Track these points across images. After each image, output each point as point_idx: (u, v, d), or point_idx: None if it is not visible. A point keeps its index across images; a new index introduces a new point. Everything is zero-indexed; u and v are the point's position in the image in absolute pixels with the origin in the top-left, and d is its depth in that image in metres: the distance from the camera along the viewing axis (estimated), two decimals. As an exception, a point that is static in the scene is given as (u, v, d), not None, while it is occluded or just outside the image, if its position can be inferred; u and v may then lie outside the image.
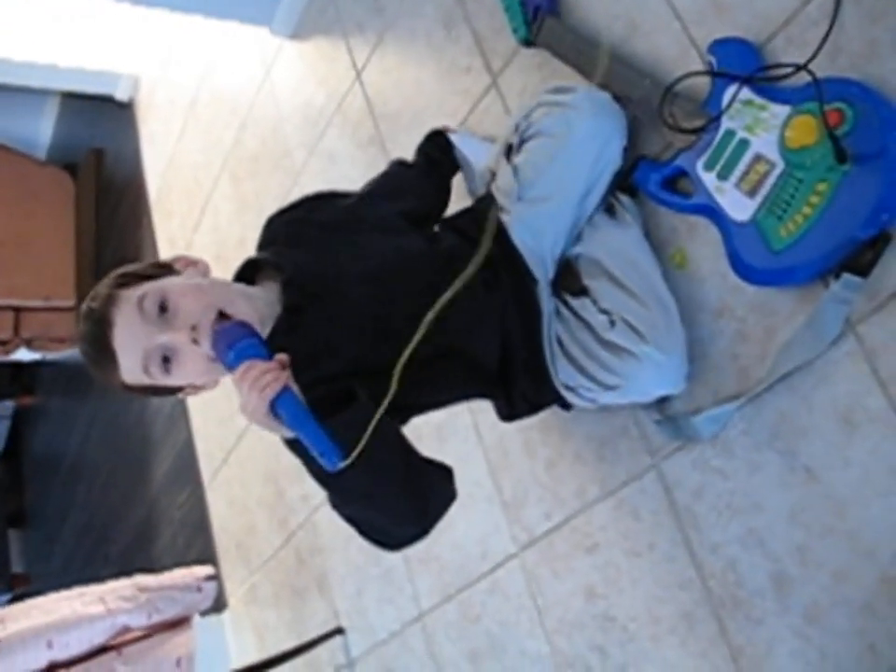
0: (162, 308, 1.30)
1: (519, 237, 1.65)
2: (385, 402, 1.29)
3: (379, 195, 1.74)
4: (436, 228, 1.79)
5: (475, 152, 1.95)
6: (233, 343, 1.25)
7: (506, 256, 1.64)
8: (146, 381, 1.33)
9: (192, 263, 1.46)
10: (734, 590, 1.58)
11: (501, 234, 1.66)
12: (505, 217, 1.68)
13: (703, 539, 1.63)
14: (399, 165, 1.95)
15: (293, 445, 1.35)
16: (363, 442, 1.22)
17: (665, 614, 1.71)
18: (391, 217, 1.65)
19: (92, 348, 1.33)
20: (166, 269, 1.43)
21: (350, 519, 1.37)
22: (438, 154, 1.96)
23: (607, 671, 1.83)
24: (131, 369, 1.31)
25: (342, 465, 1.18)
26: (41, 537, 6.23)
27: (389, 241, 1.59)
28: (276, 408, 1.19)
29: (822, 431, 1.44)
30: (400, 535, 1.42)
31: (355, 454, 1.20)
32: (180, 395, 1.46)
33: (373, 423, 1.25)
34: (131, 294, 1.32)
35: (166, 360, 1.30)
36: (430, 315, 1.41)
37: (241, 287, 1.45)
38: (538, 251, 1.66)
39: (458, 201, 1.98)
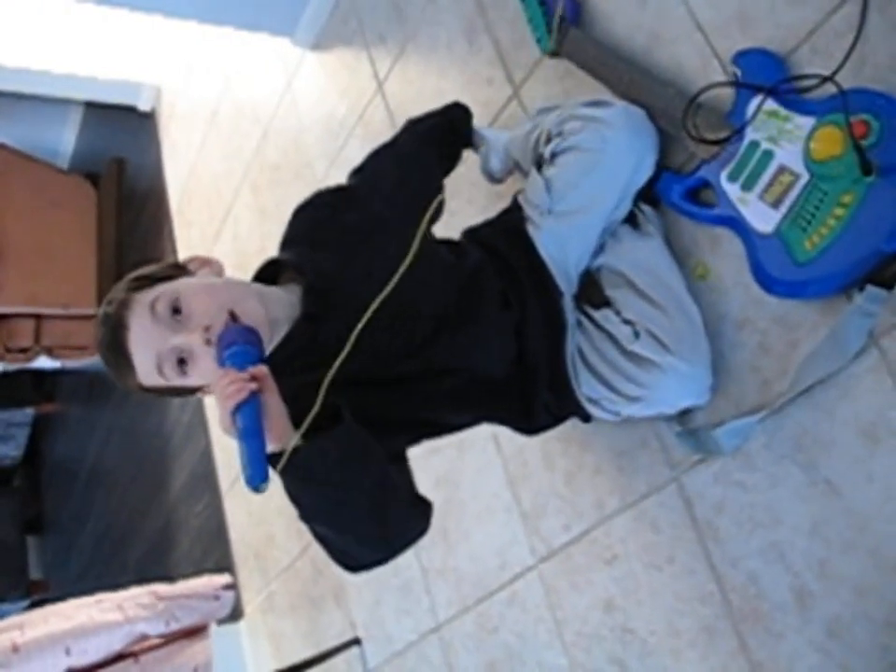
0: (175, 310, 1.29)
1: (546, 250, 1.65)
2: (309, 419, 1.27)
3: (405, 197, 1.67)
4: (461, 239, 1.77)
5: (493, 132, 1.94)
6: (227, 346, 1.25)
7: (532, 268, 1.64)
8: (162, 382, 1.32)
9: (206, 263, 1.45)
10: (754, 604, 1.57)
11: (527, 246, 1.66)
12: (531, 229, 1.67)
13: (723, 553, 1.62)
14: (417, 143, 1.86)
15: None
16: (283, 461, 1.21)
17: (684, 628, 1.70)
18: (426, 188, 1.65)
19: (109, 352, 1.32)
20: (180, 270, 1.42)
21: (315, 534, 1.36)
22: (458, 127, 1.92)
23: (625, 685, 1.83)
24: (146, 371, 1.30)
25: (259, 486, 1.17)
26: (59, 543, 6.24)
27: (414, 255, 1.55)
28: (238, 414, 1.19)
29: (844, 445, 1.43)
30: (358, 557, 1.38)
31: (270, 477, 1.18)
32: (199, 394, 1.43)
33: (291, 443, 1.23)
34: (144, 297, 1.31)
35: (182, 362, 1.29)
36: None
37: (257, 286, 1.42)
38: (563, 264, 1.65)
39: (471, 185, 1.97)
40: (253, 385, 1.20)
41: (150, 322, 1.29)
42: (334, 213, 1.62)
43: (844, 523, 1.43)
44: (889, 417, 1.37)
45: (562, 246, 1.64)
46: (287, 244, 1.59)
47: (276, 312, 1.37)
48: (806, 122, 1.41)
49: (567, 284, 1.66)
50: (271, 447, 1.20)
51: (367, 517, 1.31)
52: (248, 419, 1.19)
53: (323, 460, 1.23)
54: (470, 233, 1.77)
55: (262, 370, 1.24)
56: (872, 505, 1.39)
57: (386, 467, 1.35)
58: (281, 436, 1.22)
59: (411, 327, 1.47)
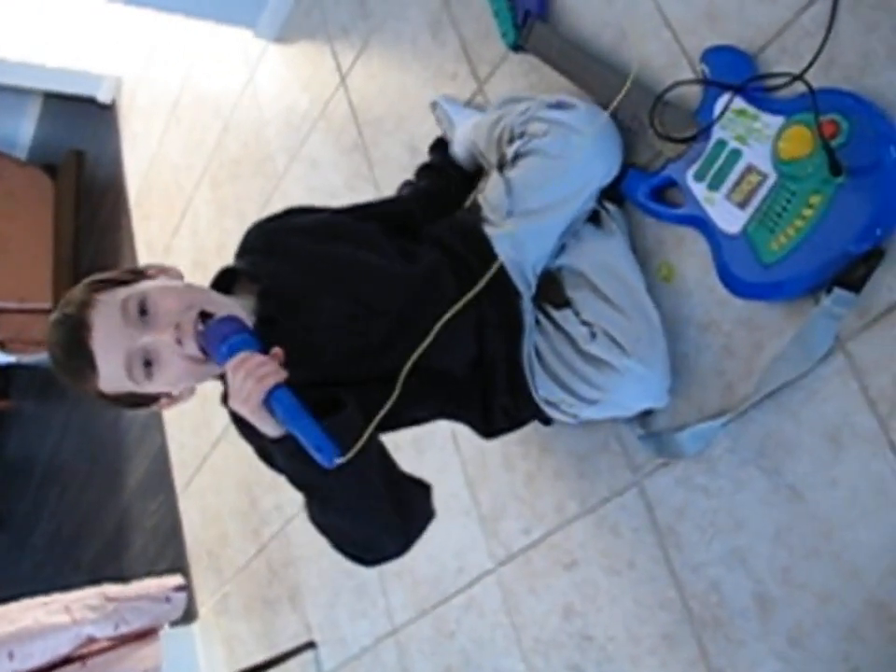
0: (142, 311, 1.27)
1: (503, 251, 1.61)
2: (388, 405, 1.31)
3: (365, 211, 1.69)
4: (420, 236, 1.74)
5: (460, 113, 1.95)
6: (226, 337, 1.23)
7: (488, 269, 1.60)
8: (124, 388, 1.29)
9: (164, 270, 1.42)
10: (715, 611, 1.54)
11: (484, 247, 1.63)
12: (489, 230, 1.64)
13: (685, 558, 1.59)
14: (404, 188, 1.95)
15: (265, 455, 1.35)
16: (363, 440, 1.21)
17: (644, 634, 1.67)
18: (371, 233, 1.61)
19: (68, 354, 1.28)
20: (139, 275, 1.39)
21: (328, 531, 1.33)
22: (438, 165, 1.96)
23: (583, 692, 1.80)
24: (111, 373, 1.26)
25: (339, 461, 1.16)
26: (11, 542, 6.13)
27: (367, 255, 1.54)
28: (271, 401, 1.18)
29: (809, 450, 1.40)
30: (380, 548, 1.38)
31: (354, 450, 1.19)
32: (155, 407, 1.41)
33: (374, 423, 1.26)
34: (111, 297, 1.28)
35: (147, 364, 1.26)
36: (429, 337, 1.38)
37: (216, 294, 1.40)
38: (520, 265, 1.62)
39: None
40: (284, 371, 1.20)
41: (120, 321, 1.26)
42: (288, 222, 1.61)
43: (807, 529, 1.41)
44: (853, 421, 1.35)
45: (519, 248, 1.61)
46: (240, 255, 1.56)
47: None
48: (775, 121, 1.38)
49: (524, 285, 1.63)
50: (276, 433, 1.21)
51: (384, 502, 1.32)
52: (289, 400, 1.18)
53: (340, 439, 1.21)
54: (428, 232, 1.73)
55: (280, 352, 1.24)
56: (835, 510, 1.37)
57: (387, 452, 1.37)
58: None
59: (364, 327, 1.46)
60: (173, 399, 1.40)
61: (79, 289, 1.32)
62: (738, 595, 1.50)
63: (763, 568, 1.47)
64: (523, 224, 1.60)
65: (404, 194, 1.91)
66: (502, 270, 1.61)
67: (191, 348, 1.27)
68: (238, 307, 1.38)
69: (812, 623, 1.40)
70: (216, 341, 1.24)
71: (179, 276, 1.43)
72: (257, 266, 1.47)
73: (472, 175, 1.91)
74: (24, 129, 5.73)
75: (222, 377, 1.40)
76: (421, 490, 1.43)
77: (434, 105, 2.06)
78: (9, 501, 6.20)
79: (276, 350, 1.24)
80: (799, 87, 1.36)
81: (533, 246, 1.62)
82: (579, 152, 1.56)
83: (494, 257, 1.61)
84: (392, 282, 1.53)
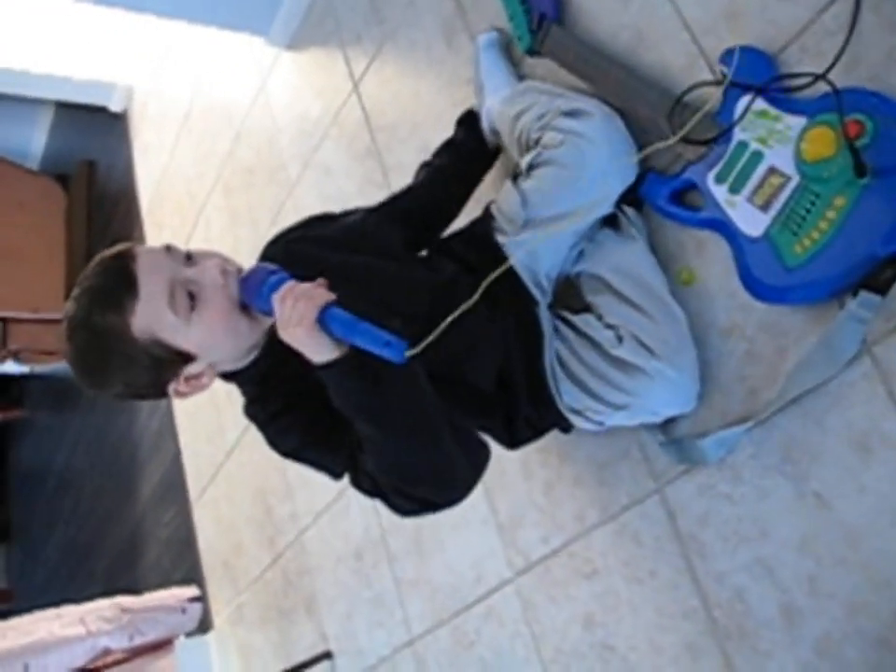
0: (188, 258, 1.29)
1: (516, 259, 1.60)
2: (465, 306, 1.31)
3: (386, 216, 1.68)
4: (435, 250, 1.74)
5: (495, 73, 1.91)
6: (264, 278, 1.25)
7: (504, 278, 1.58)
8: (160, 328, 1.24)
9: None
10: (740, 620, 1.52)
11: (498, 256, 1.61)
12: (501, 238, 1.64)
13: (708, 567, 1.57)
14: (425, 168, 1.90)
15: (283, 446, 1.40)
16: (434, 335, 1.21)
17: (667, 644, 1.65)
18: (393, 243, 1.60)
19: (107, 280, 1.24)
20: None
21: (391, 472, 1.29)
22: (465, 147, 1.92)
23: (605, 703, 1.77)
24: (153, 297, 1.22)
25: (410, 353, 1.15)
26: (26, 552, 6.14)
27: (388, 264, 1.54)
28: (325, 318, 1.17)
29: (835, 456, 1.38)
30: (450, 478, 1.34)
31: (426, 342, 1.18)
32: (173, 389, 1.33)
33: (445, 324, 1.25)
34: (152, 246, 1.29)
35: (192, 297, 1.25)
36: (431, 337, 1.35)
37: None
38: (534, 273, 1.62)
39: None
40: (330, 293, 1.20)
41: (166, 255, 1.27)
42: (308, 231, 1.62)
43: (834, 537, 1.38)
44: (882, 427, 1.32)
45: (533, 256, 1.60)
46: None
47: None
48: (797, 122, 1.36)
49: (540, 293, 1.63)
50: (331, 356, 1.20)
51: (444, 426, 1.31)
52: (342, 314, 1.18)
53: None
54: (442, 246, 1.73)
55: (323, 280, 1.23)
56: (864, 518, 1.34)
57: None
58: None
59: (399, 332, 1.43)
60: (191, 381, 1.33)
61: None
62: (764, 605, 1.48)
63: (789, 577, 1.44)
64: (535, 232, 1.59)
65: (421, 180, 1.86)
66: (517, 278, 1.60)
67: (234, 288, 1.28)
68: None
69: (840, 633, 1.37)
70: (256, 285, 1.25)
71: None
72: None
73: (494, 152, 1.91)
74: (36, 139, 5.74)
75: (230, 377, 1.39)
76: (475, 438, 1.44)
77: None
78: (24, 511, 6.22)
79: (320, 279, 1.22)
80: (822, 87, 1.34)
81: (546, 255, 1.62)
82: (593, 164, 1.54)
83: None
84: (416, 288, 1.52)
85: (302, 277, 1.25)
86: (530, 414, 1.61)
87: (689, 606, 1.60)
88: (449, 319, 1.27)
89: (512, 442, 1.67)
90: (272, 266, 1.29)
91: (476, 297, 1.36)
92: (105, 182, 4.89)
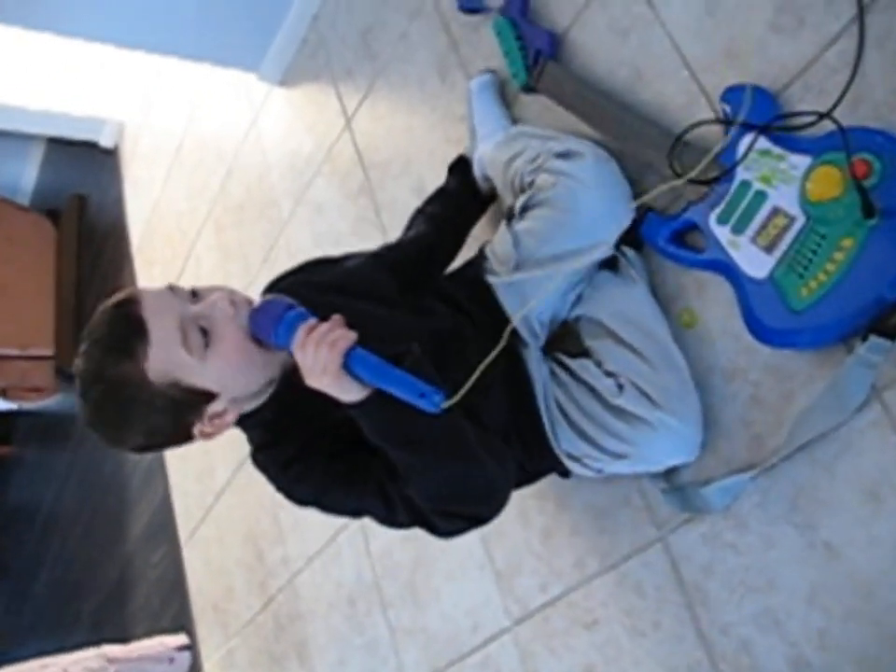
0: (193, 295, 1.26)
1: (506, 300, 1.60)
2: (495, 352, 1.29)
3: (382, 264, 1.64)
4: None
5: (487, 118, 1.89)
6: (279, 315, 1.21)
7: (493, 319, 1.56)
8: (176, 368, 1.20)
9: None
10: (747, 675, 1.46)
11: (488, 297, 1.61)
12: (492, 279, 1.62)
13: (713, 618, 1.52)
14: (417, 216, 1.90)
15: (310, 502, 1.37)
16: (474, 377, 1.19)
17: (670, 699, 1.59)
18: (385, 288, 1.57)
19: (114, 329, 1.19)
20: None
21: (437, 491, 1.28)
22: (457, 195, 1.91)
23: (607, 758, 1.71)
24: (165, 339, 1.18)
25: (446, 404, 1.13)
26: (12, 591, 6.04)
27: (384, 310, 1.51)
28: (350, 364, 1.15)
29: (845, 505, 1.33)
30: (494, 487, 1.34)
31: (464, 389, 1.16)
32: (198, 431, 1.28)
33: (486, 362, 1.24)
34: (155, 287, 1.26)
35: (204, 333, 1.21)
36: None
37: None
38: (524, 316, 1.58)
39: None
40: (351, 332, 1.17)
41: (169, 294, 1.24)
42: (307, 276, 1.59)
43: (845, 589, 1.33)
44: (893, 475, 1.28)
45: (523, 297, 1.57)
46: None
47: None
48: (802, 162, 1.33)
49: (530, 335, 1.61)
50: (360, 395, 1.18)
51: (479, 444, 1.30)
52: (370, 356, 1.16)
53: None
54: (435, 287, 1.70)
55: (340, 317, 1.20)
56: (875, 570, 1.30)
57: None
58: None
59: None
60: (215, 420, 1.29)
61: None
62: (772, 659, 1.43)
63: (797, 631, 1.39)
64: (526, 274, 1.57)
65: (415, 231, 1.85)
66: (508, 322, 1.55)
67: (244, 318, 1.25)
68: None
69: (852, 690, 1.32)
70: (269, 322, 1.21)
71: None
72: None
73: (486, 199, 1.90)
74: (27, 174, 5.72)
75: (239, 422, 1.35)
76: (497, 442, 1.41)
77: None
78: (11, 550, 6.13)
79: (336, 316, 1.20)
80: (826, 125, 1.31)
81: (533, 296, 1.56)
82: (585, 205, 1.52)
83: (498, 306, 1.59)
84: (412, 333, 1.47)
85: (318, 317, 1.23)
86: (521, 458, 1.56)
87: (693, 658, 1.55)
88: (486, 362, 1.26)
89: None
90: (287, 300, 1.26)
91: (503, 343, 1.33)
92: (95, 217, 4.86)
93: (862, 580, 1.31)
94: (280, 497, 1.40)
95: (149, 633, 3.46)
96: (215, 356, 1.22)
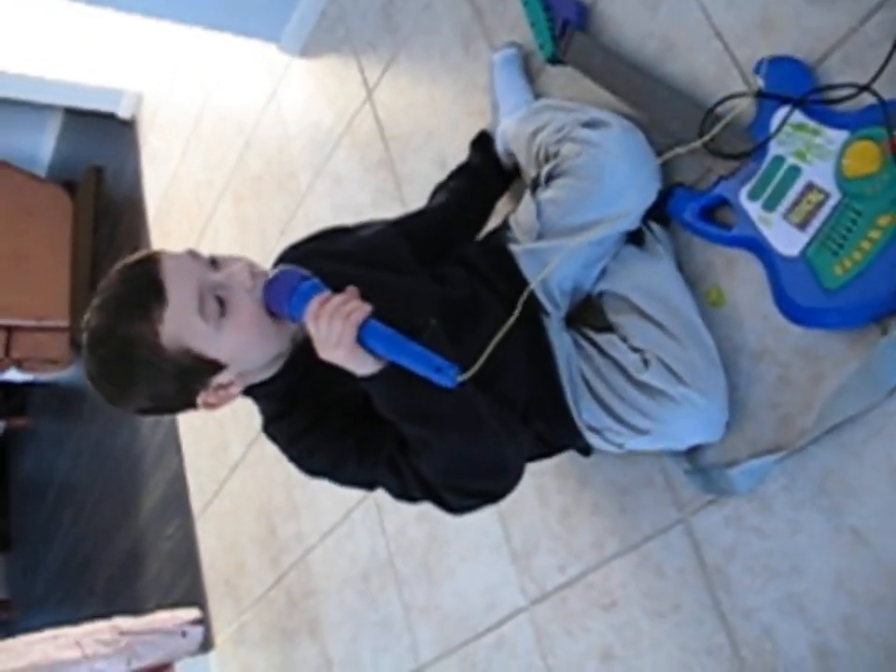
0: (213, 262, 1.25)
1: (526, 268, 1.56)
2: (508, 324, 1.30)
3: (401, 233, 1.62)
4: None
5: (510, 92, 1.85)
6: (294, 286, 1.19)
7: (515, 287, 1.52)
8: (190, 335, 1.18)
9: None
10: (769, 660, 1.43)
11: (509, 265, 1.58)
12: (515, 248, 1.59)
13: (735, 603, 1.49)
14: (439, 191, 1.88)
15: (322, 473, 1.36)
16: (488, 351, 1.19)
17: (690, 682, 1.57)
18: (406, 258, 1.55)
19: (132, 287, 1.18)
20: None
21: (449, 468, 1.26)
22: (481, 171, 1.88)
23: (622, 741, 1.69)
24: (182, 303, 1.16)
25: (462, 378, 1.12)
26: (26, 562, 6.07)
27: (401, 279, 1.49)
28: (365, 337, 1.14)
29: (875, 490, 1.30)
30: (506, 464, 1.31)
31: (478, 364, 1.16)
32: (202, 401, 1.27)
33: (498, 336, 1.25)
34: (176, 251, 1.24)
35: (221, 303, 1.20)
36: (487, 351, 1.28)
37: None
38: (544, 283, 1.56)
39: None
40: (366, 304, 1.16)
41: (190, 258, 1.22)
42: (321, 244, 1.58)
43: (873, 575, 1.30)
44: (925, 461, 1.24)
45: (544, 266, 1.53)
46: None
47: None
48: (838, 136, 1.29)
49: (551, 304, 1.58)
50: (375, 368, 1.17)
51: (492, 418, 1.28)
52: (384, 330, 1.14)
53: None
54: (456, 255, 1.67)
55: (354, 289, 1.19)
56: (905, 557, 1.27)
57: None
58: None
59: None
60: (220, 392, 1.27)
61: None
62: (795, 645, 1.40)
63: (822, 617, 1.36)
64: (549, 243, 1.54)
65: (437, 202, 1.83)
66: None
67: (261, 291, 1.23)
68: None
69: (878, 678, 1.29)
70: (283, 292, 1.20)
71: None
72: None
73: (509, 174, 1.87)
74: (45, 145, 5.71)
75: (250, 392, 1.34)
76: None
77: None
78: (25, 521, 6.17)
79: (350, 287, 1.18)
80: (865, 99, 1.27)
81: (558, 265, 1.53)
82: (611, 176, 1.48)
83: (518, 273, 1.57)
84: (426, 302, 1.46)
85: (332, 287, 1.21)
86: (541, 429, 1.54)
87: (714, 642, 1.52)
88: (502, 331, 1.27)
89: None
90: (302, 271, 1.24)
91: (517, 313, 1.33)
92: (112, 189, 4.84)
93: (891, 566, 1.28)
94: (295, 473, 1.39)
95: (161, 606, 3.46)
96: (230, 326, 1.21)
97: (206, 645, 3.28)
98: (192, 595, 3.49)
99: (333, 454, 1.33)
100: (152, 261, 1.19)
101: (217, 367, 1.23)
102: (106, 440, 4.61)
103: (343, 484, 1.39)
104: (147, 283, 1.17)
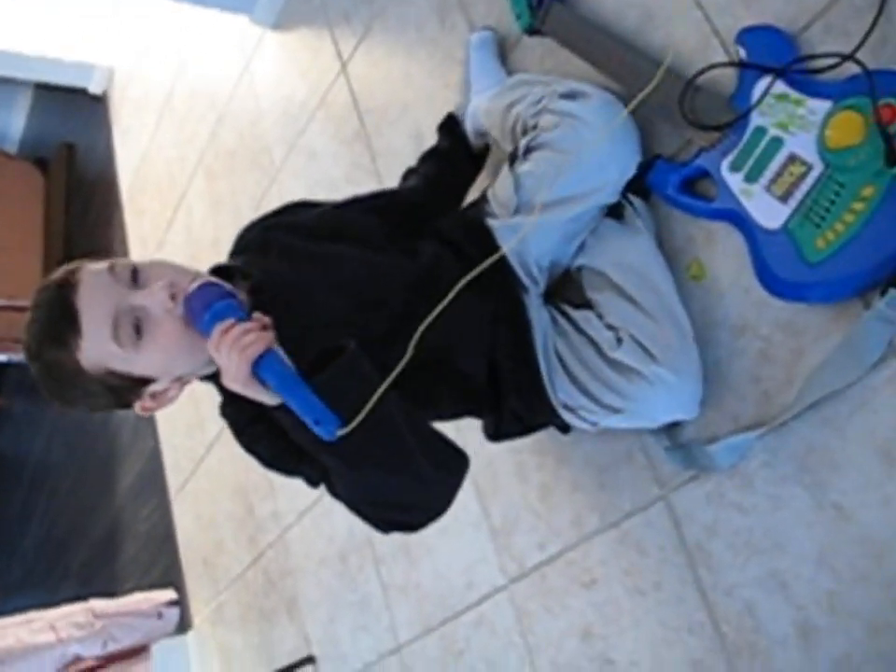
0: (134, 277, 1.20)
1: (504, 242, 1.52)
2: (400, 366, 1.20)
3: (369, 208, 1.60)
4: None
5: (484, 73, 1.82)
6: (210, 303, 1.15)
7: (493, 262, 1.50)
8: (108, 359, 1.18)
9: None
10: (751, 637, 1.43)
11: (486, 239, 1.54)
12: (492, 222, 1.56)
13: (716, 580, 1.48)
14: (409, 176, 1.86)
15: (273, 463, 1.33)
16: (368, 407, 1.12)
17: (671, 659, 1.56)
18: (371, 229, 1.53)
19: (50, 315, 1.18)
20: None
21: (363, 496, 1.26)
22: (451, 154, 1.85)
23: (603, 719, 1.68)
24: (96, 333, 1.15)
25: (340, 432, 1.09)
26: (0, 547, 6.02)
27: (365, 252, 1.47)
28: (260, 371, 1.10)
29: (858, 465, 1.28)
30: (423, 499, 1.30)
31: (358, 419, 1.11)
32: (138, 407, 1.29)
33: (381, 389, 1.15)
34: (98, 263, 1.21)
35: (137, 330, 1.17)
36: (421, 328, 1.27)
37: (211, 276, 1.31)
38: (522, 257, 1.54)
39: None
40: (271, 334, 1.13)
41: (109, 279, 1.18)
42: (284, 218, 1.55)
43: (855, 551, 1.29)
44: (908, 436, 1.23)
45: (522, 241, 1.50)
46: (235, 254, 1.50)
47: None
48: (821, 107, 1.27)
49: (530, 280, 1.56)
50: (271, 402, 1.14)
51: (415, 450, 1.24)
52: (279, 368, 1.11)
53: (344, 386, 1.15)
54: (431, 227, 1.64)
55: (266, 319, 1.16)
56: (887, 532, 1.25)
57: (405, 407, 1.25)
58: None
59: (364, 321, 1.38)
60: (157, 397, 1.29)
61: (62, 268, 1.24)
62: (777, 622, 1.39)
63: (805, 593, 1.35)
64: (526, 217, 1.51)
65: (408, 185, 1.81)
66: (506, 263, 1.52)
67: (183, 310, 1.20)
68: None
69: (861, 655, 1.28)
70: (199, 309, 1.16)
71: None
72: (251, 264, 1.39)
73: (480, 156, 1.84)
74: (15, 122, 5.63)
75: (207, 377, 1.34)
76: (451, 449, 1.34)
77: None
78: (-2, 502, 6.11)
79: (260, 316, 1.15)
80: (849, 69, 1.25)
81: (535, 239, 1.52)
82: (590, 148, 1.45)
83: (496, 248, 1.52)
84: (391, 276, 1.45)
85: (256, 306, 1.22)
86: (517, 407, 1.53)
87: (695, 620, 1.51)
88: (443, 304, 1.26)
89: (497, 434, 1.60)
90: (225, 286, 1.22)
91: (452, 295, 1.31)
92: (84, 166, 4.77)
93: (874, 542, 1.27)
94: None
95: (139, 587, 3.44)
96: (148, 347, 1.19)
97: (184, 625, 3.26)
98: (170, 575, 3.47)
99: (276, 446, 1.31)
100: (69, 286, 1.17)
101: (146, 381, 1.24)
102: (81, 419, 4.57)
103: (289, 476, 1.37)
104: (62, 312, 1.16)
